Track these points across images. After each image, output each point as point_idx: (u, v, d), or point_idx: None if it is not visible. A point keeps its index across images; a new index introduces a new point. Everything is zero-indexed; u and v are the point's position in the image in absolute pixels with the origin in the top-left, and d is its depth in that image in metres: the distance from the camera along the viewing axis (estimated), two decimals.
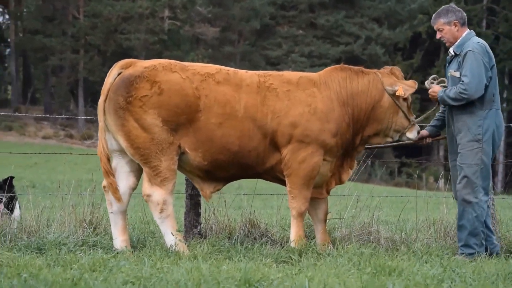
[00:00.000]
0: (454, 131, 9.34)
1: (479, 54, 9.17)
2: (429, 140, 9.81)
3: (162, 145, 8.75)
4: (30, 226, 9.46)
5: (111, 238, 9.04)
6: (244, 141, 8.93)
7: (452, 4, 9.64)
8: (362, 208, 10.45)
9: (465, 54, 9.21)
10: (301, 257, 8.61)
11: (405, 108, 9.38)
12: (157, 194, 8.80)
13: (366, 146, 9.79)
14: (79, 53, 59.28)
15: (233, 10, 59.61)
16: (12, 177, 10.56)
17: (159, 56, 52.61)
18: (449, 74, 9.41)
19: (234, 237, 9.57)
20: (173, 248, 8.70)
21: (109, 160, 8.94)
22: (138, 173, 9.04)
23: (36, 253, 8.54)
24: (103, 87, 8.87)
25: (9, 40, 63.89)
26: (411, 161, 49.62)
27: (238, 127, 8.90)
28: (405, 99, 9.38)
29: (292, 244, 9.02)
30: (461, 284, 7.30)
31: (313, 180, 9.12)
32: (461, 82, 9.14)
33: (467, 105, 9.19)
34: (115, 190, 8.92)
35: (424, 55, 61.68)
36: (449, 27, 9.38)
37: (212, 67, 9.08)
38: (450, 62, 9.50)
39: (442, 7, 9.52)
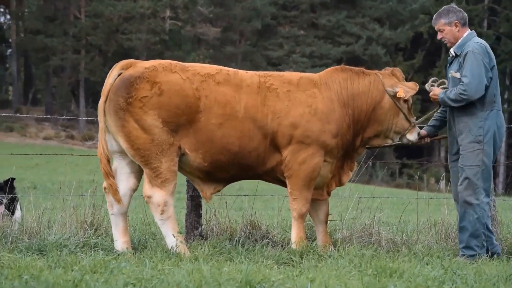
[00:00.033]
0: (456, 133, 9.34)
1: (479, 55, 9.16)
2: (427, 140, 9.80)
3: (162, 146, 8.74)
4: (31, 227, 9.46)
5: (112, 240, 9.04)
6: (244, 142, 8.93)
7: (453, 5, 9.64)
8: (363, 209, 10.45)
9: (465, 55, 9.21)
10: (302, 259, 8.61)
11: (406, 109, 9.37)
12: (158, 195, 8.80)
13: (369, 146, 9.79)
14: (80, 54, 59.26)
15: (234, 10, 59.60)
16: (13, 179, 10.55)
17: (161, 56, 52.61)
18: (450, 75, 9.41)
19: (235, 238, 9.56)
20: (174, 249, 8.70)
21: (109, 161, 8.94)
22: (138, 174, 9.04)
23: (37, 254, 8.54)
24: (103, 88, 8.87)
25: (10, 40, 63.86)
26: (412, 162, 49.63)
27: (238, 127, 8.90)
28: (405, 101, 9.38)
29: (293, 246, 9.02)
30: (462, 286, 7.30)
31: (313, 181, 9.12)
32: (461, 83, 9.14)
33: (468, 106, 9.19)
34: (115, 191, 8.92)
35: (426, 55, 61.65)
36: (449, 27, 9.37)
37: (212, 68, 9.08)
38: (451, 63, 9.50)
39: (443, 7, 9.52)
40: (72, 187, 10.22)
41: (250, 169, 9.09)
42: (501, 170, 51.98)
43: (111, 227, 9.10)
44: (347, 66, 9.48)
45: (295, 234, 9.12)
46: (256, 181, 9.63)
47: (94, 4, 58.01)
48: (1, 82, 70.12)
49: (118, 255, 8.51)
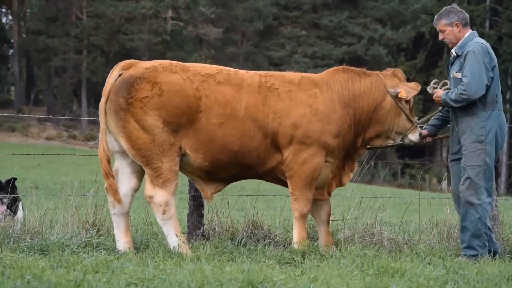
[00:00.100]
0: (459, 133, 9.34)
1: (479, 55, 9.16)
2: (428, 139, 9.81)
3: (163, 146, 8.75)
4: (33, 227, 9.47)
5: (114, 240, 9.04)
6: (245, 141, 8.93)
7: (454, 5, 9.64)
8: (365, 209, 10.45)
9: (466, 55, 9.21)
10: (304, 259, 8.62)
11: (408, 110, 9.37)
12: (159, 195, 8.80)
13: (370, 147, 9.79)
14: (82, 54, 59.27)
15: (236, 11, 59.62)
16: (14, 179, 10.56)
17: (162, 56, 52.63)
18: (451, 75, 9.42)
19: (237, 238, 9.57)
20: (176, 249, 8.70)
21: (109, 162, 8.94)
22: (140, 174, 9.04)
23: (39, 254, 8.54)
24: (104, 88, 8.87)
25: (12, 40, 63.89)
26: (414, 162, 49.59)
27: (239, 127, 8.90)
28: (407, 101, 9.38)
29: (295, 246, 9.02)
30: (464, 285, 7.30)
31: (315, 182, 9.12)
32: (461, 83, 9.14)
33: (470, 106, 9.20)
34: (115, 192, 8.92)
35: (427, 55, 61.63)
36: (451, 28, 9.37)
37: (213, 68, 9.08)
38: (452, 63, 9.50)
39: (444, 8, 9.52)
40: (74, 187, 10.22)
41: (251, 168, 9.09)
42: (503, 170, 51.96)
43: (113, 227, 9.10)
44: (348, 67, 9.48)
45: (297, 234, 9.11)
46: (258, 181, 9.63)
47: (96, 4, 58.05)
48: (3, 82, 70.15)
49: (120, 255, 8.51)
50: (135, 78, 8.77)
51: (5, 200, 10.26)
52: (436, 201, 11.90)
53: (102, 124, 8.90)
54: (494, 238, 9.52)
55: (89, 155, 11.52)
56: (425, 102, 53.54)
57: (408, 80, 9.65)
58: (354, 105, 9.24)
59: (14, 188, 10.43)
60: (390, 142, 9.50)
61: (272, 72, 9.30)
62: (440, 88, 9.45)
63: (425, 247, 9.49)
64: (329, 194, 9.45)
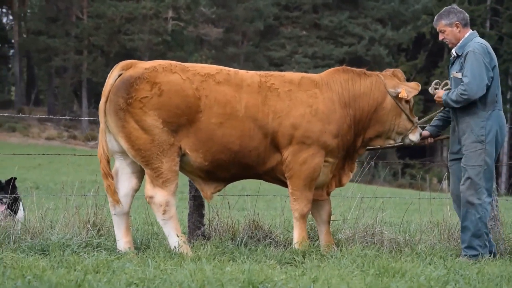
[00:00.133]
0: (459, 133, 9.35)
1: (479, 55, 9.17)
2: (431, 140, 9.81)
3: (162, 147, 8.75)
4: (33, 227, 9.47)
5: (114, 240, 9.04)
6: (244, 141, 8.93)
7: (454, 5, 9.64)
8: (365, 209, 10.45)
9: (466, 55, 9.22)
10: (304, 259, 8.61)
11: (408, 110, 9.37)
12: (160, 195, 8.81)
13: (370, 148, 9.79)
14: (82, 54, 59.29)
15: (236, 11, 59.61)
16: (14, 178, 10.54)
17: (163, 57, 52.64)
18: (452, 75, 9.42)
19: (238, 238, 9.57)
20: (177, 249, 8.70)
21: (108, 162, 8.94)
22: (140, 174, 9.05)
23: (40, 254, 8.54)
24: (103, 89, 8.87)
25: (12, 41, 63.91)
26: (414, 162, 49.59)
27: (238, 126, 8.90)
28: (407, 101, 9.38)
29: (296, 246, 9.01)
30: (465, 285, 7.30)
31: (314, 182, 9.12)
32: (462, 83, 9.15)
33: (470, 106, 9.20)
34: (113, 192, 8.93)
35: (428, 56, 61.64)
36: (450, 28, 9.38)
37: (212, 68, 9.08)
38: (453, 63, 9.51)
39: (444, 8, 9.52)
40: (74, 187, 10.22)
41: (251, 168, 9.09)
42: (504, 170, 51.96)
43: (113, 227, 9.10)
44: (348, 67, 9.48)
45: (297, 234, 9.11)
46: (259, 181, 9.63)
47: (96, 4, 58.05)
48: (3, 82, 70.15)
49: (121, 255, 8.51)
50: (135, 79, 8.77)
51: (4, 200, 10.26)
52: (437, 201, 11.90)
53: (101, 125, 8.90)
54: (492, 239, 9.52)
55: (90, 155, 11.51)
56: (425, 102, 53.55)
57: (408, 80, 9.65)
58: (354, 106, 9.24)
59: (14, 188, 10.42)
60: (391, 142, 9.50)
61: (272, 72, 9.30)
62: (441, 89, 9.45)
63: (425, 247, 9.49)
64: (328, 194, 9.45)
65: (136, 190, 9.09)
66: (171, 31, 58.71)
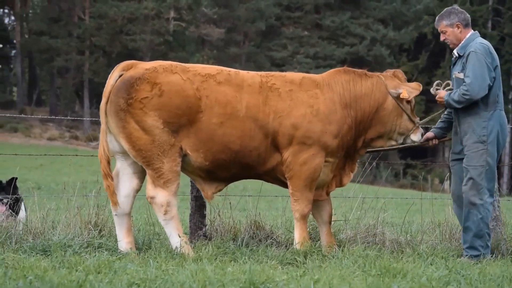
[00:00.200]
0: (461, 133, 9.34)
1: (481, 55, 9.17)
2: (435, 141, 9.81)
3: (163, 147, 8.75)
4: (35, 228, 9.47)
5: (116, 240, 9.05)
6: (245, 141, 8.93)
7: (455, 6, 9.64)
8: (367, 210, 10.45)
9: (467, 55, 9.22)
10: (306, 259, 8.61)
11: (409, 110, 9.37)
12: (161, 196, 8.81)
13: (371, 150, 9.80)
14: (84, 54, 59.33)
15: (238, 11, 59.62)
16: (15, 179, 10.52)
17: (165, 57, 52.67)
18: (453, 76, 9.42)
19: (239, 239, 9.57)
20: (179, 250, 8.70)
21: (109, 163, 8.94)
22: (141, 174, 9.05)
23: (42, 255, 8.54)
24: (104, 89, 8.88)
25: (14, 41, 63.98)
26: (416, 163, 49.60)
27: (239, 126, 8.90)
28: (408, 102, 9.38)
29: (297, 246, 9.01)
30: (466, 286, 7.30)
31: (315, 182, 9.12)
32: (464, 83, 9.14)
33: (472, 106, 9.20)
34: (112, 193, 8.93)
35: (430, 56, 61.64)
36: (451, 29, 9.38)
37: (213, 68, 9.08)
38: (454, 64, 9.50)
39: (445, 9, 9.53)
40: (76, 187, 10.23)
41: (251, 168, 9.09)
42: (505, 170, 51.97)
43: (115, 227, 9.10)
44: (349, 68, 9.48)
45: (298, 235, 9.11)
46: (260, 181, 9.63)
47: (98, 5, 58.08)
48: (5, 83, 70.23)
49: (122, 255, 8.51)
50: (135, 79, 8.77)
51: (5, 200, 10.24)
52: (438, 201, 11.90)
53: (102, 125, 8.91)
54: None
55: (91, 155, 11.53)
56: (427, 102, 53.52)
57: (410, 80, 9.64)
58: (355, 106, 9.24)
59: (15, 188, 10.41)
60: (393, 143, 9.50)
61: (273, 73, 9.30)
62: (443, 89, 9.45)
63: (427, 248, 9.49)
64: (328, 194, 9.44)
65: (137, 190, 9.09)
66: (173, 31, 58.74)
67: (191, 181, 9.76)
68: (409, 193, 33.17)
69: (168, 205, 8.82)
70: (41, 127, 56.95)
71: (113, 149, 8.97)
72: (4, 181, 10.55)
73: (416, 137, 9.44)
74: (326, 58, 59.49)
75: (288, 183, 9.11)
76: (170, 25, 58.90)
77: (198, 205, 9.94)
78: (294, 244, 9.11)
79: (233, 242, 9.44)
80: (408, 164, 50.79)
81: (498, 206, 10.23)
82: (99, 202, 9.81)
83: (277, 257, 8.63)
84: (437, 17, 9.51)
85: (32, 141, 53.14)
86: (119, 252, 8.81)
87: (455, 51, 9.43)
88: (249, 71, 9.23)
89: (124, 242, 8.93)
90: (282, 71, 9.73)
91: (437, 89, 9.48)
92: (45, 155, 12.18)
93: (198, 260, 8.26)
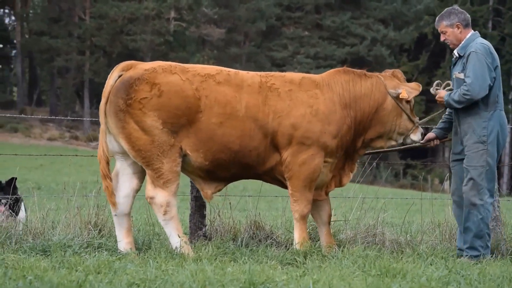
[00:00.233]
0: (461, 134, 9.34)
1: (482, 55, 9.17)
2: (436, 142, 9.81)
3: (163, 147, 8.75)
4: (35, 228, 9.48)
5: (116, 240, 9.04)
6: (245, 141, 8.93)
7: (456, 6, 9.64)
8: (367, 210, 10.45)
9: (468, 55, 9.22)
10: (306, 259, 8.61)
11: (408, 110, 9.38)
12: (160, 196, 8.81)
13: (373, 151, 9.82)
14: (85, 55, 59.36)
15: (239, 11, 59.63)
16: (15, 179, 10.51)
17: (165, 57, 52.68)
18: (454, 76, 9.42)
19: (239, 239, 9.57)
20: (178, 250, 8.70)
21: (108, 163, 8.94)
22: (141, 175, 9.05)
23: (41, 255, 8.54)
24: (104, 90, 8.88)
25: (15, 41, 64.00)
26: (416, 163, 49.60)
27: (239, 126, 8.90)
28: (408, 102, 9.38)
29: (297, 247, 9.01)
30: (466, 286, 7.30)
31: (314, 183, 9.12)
32: (464, 84, 9.14)
33: (472, 107, 9.20)
34: (110, 194, 8.93)
35: (430, 56, 61.65)
36: (451, 29, 9.38)
37: (212, 68, 9.08)
38: (455, 64, 9.50)
39: (445, 9, 9.53)
40: (76, 187, 10.23)
41: (251, 168, 9.09)
42: (505, 170, 51.97)
43: (115, 227, 9.10)
44: (349, 68, 9.48)
45: (298, 235, 9.11)
46: (260, 182, 9.63)
47: (98, 5, 58.09)
48: (5, 83, 70.24)
49: (122, 255, 8.51)
50: (134, 80, 8.77)
51: (3, 201, 10.23)
52: (438, 201, 11.90)
53: (102, 126, 8.91)
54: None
55: (91, 155, 11.54)
56: (427, 102, 53.52)
57: (410, 81, 9.64)
58: (355, 107, 9.25)
59: (15, 188, 10.41)
60: (392, 143, 9.50)
61: (272, 73, 9.30)
62: (443, 89, 9.46)
63: (427, 248, 9.49)
64: (327, 194, 9.44)
65: (137, 190, 9.09)
66: (173, 31, 58.75)
67: (191, 181, 9.76)
68: (409, 193, 33.17)
69: (167, 205, 8.82)
70: (41, 127, 56.96)
71: (113, 150, 8.97)
72: (3, 181, 10.55)
73: (416, 136, 9.44)
74: (326, 58, 59.49)
75: (288, 184, 9.11)
76: (171, 25, 58.91)
77: (198, 205, 9.94)
78: (294, 244, 9.11)
79: (233, 242, 9.44)
80: (408, 164, 50.80)
81: (498, 206, 10.23)
82: (99, 202, 9.81)
83: (277, 257, 8.64)
84: (437, 18, 9.51)
85: (32, 141, 53.15)
86: (119, 252, 8.81)
87: (455, 52, 9.43)
88: (249, 71, 9.23)
89: (123, 243, 8.93)
90: (283, 71, 9.74)
91: (437, 89, 9.48)
92: (45, 155, 12.19)
93: (198, 260, 8.26)
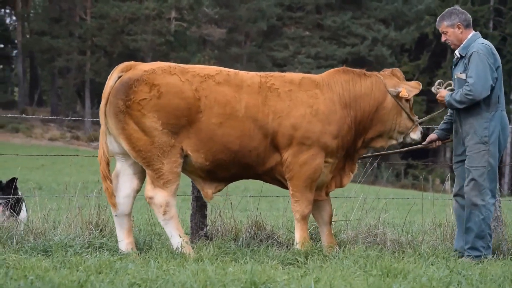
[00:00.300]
0: (462, 134, 9.34)
1: (484, 55, 9.17)
2: (438, 143, 9.81)
3: (163, 148, 8.74)
4: (36, 228, 9.48)
5: (117, 240, 9.05)
6: (244, 141, 8.93)
7: (457, 6, 9.64)
8: (368, 210, 10.44)
9: (470, 56, 9.21)
10: (307, 259, 8.61)
11: (408, 109, 9.38)
12: (160, 196, 8.81)
13: (375, 154, 9.82)
14: (86, 55, 59.38)
15: (239, 11, 59.63)
16: (15, 179, 10.50)
17: (166, 57, 52.71)
18: (455, 76, 9.42)
19: (240, 239, 9.57)
20: (180, 250, 8.70)
21: (108, 164, 8.93)
22: (141, 175, 9.05)
23: (43, 255, 8.54)
24: (103, 91, 8.88)
25: (16, 41, 64.01)
26: (417, 163, 49.56)
27: (238, 127, 8.90)
28: (407, 100, 9.39)
29: (298, 247, 9.01)
30: (467, 286, 7.30)
31: (315, 183, 9.11)
32: (466, 84, 9.14)
33: (474, 107, 9.20)
34: (111, 195, 8.93)
35: (431, 56, 61.64)
36: (452, 29, 9.38)
37: (212, 69, 9.08)
38: (456, 64, 9.50)
39: (446, 9, 9.53)
40: (77, 187, 10.23)
41: (250, 168, 9.09)
42: (507, 171, 51.96)
43: (116, 228, 9.10)
44: (348, 68, 9.48)
45: (298, 236, 9.11)
46: (261, 182, 9.63)
47: (99, 5, 58.11)
48: (7, 83, 70.27)
49: (123, 255, 8.51)
50: (134, 81, 8.77)
51: (1, 201, 10.22)
52: (439, 201, 11.89)
53: (102, 127, 8.91)
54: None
55: (93, 156, 11.55)
56: (428, 103, 53.53)
57: (410, 81, 9.63)
58: (355, 106, 9.24)
59: (15, 188, 10.40)
60: (393, 142, 9.49)
61: (272, 73, 9.30)
62: (444, 89, 9.45)
63: (428, 248, 9.48)
64: (327, 195, 9.44)
65: (138, 191, 9.09)
66: (174, 31, 58.76)
67: (192, 182, 9.76)
68: (410, 193, 33.15)
69: (167, 205, 8.81)
70: (43, 127, 56.98)
71: (113, 150, 8.97)
72: (4, 181, 10.54)
73: (415, 135, 9.44)
74: (327, 58, 59.49)
75: (288, 184, 9.11)
76: (172, 25, 58.92)
77: (199, 206, 9.94)
78: (295, 244, 9.11)
79: (234, 242, 9.44)
80: (409, 164, 50.78)
81: (499, 207, 10.23)
82: (100, 202, 9.81)
83: (278, 257, 8.64)
84: (438, 18, 9.51)
85: (34, 141, 53.17)
86: (120, 252, 8.81)
87: (456, 52, 9.42)
88: (249, 72, 9.23)
89: (124, 243, 8.93)
90: (284, 71, 9.75)
91: (438, 88, 9.48)
92: (46, 155, 12.19)
93: (199, 260, 8.26)
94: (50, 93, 65.40)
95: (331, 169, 9.26)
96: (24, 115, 16.14)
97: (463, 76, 9.26)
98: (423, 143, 9.79)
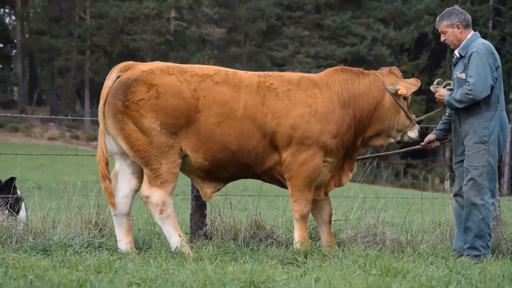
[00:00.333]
0: (461, 134, 9.34)
1: (484, 55, 9.17)
2: (437, 143, 9.80)
3: (161, 148, 8.74)
4: (36, 227, 9.48)
5: (116, 240, 9.04)
6: (243, 141, 8.93)
7: (456, 6, 9.63)
8: (367, 209, 10.44)
9: (470, 56, 9.21)
10: (306, 259, 8.61)
11: (406, 107, 9.38)
12: (156, 195, 8.80)
13: (375, 155, 9.82)
14: (85, 54, 59.37)
15: (239, 11, 59.63)
16: (14, 178, 10.50)
17: (165, 57, 52.70)
18: (455, 76, 9.42)
19: (240, 238, 9.57)
20: (179, 248, 8.70)
21: (107, 164, 8.93)
22: (140, 175, 9.04)
23: (42, 254, 8.54)
24: (102, 91, 8.88)
25: (15, 41, 63.99)
26: (416, 163, 49.60)
27: (237, 126, 8.90)
28: (405, 98, 9.38)
29: (297, 246, 9.01)
30: (467, 286, 7.29)
31: (314, 182, 9.11)
32: (467, 83, 9.14)
33: (473, 107, 9.19)
34: (110, 194, 8.92)
35: (430, 56, 61.63)
36: (452, 29, 9.38)
37: (210, 69, 9.08)
38: (455, 64, 9.50)
39: (446, 9, 9.53)
40: (76, 187, 10.23)
41: (249, 168, 9.09)
42: (506, 170, 51.97)
43: (115, 227, 9.10)
44: (346, 67, 9.48)
45: (298, 235, 9.11)
46: (261, 181, 9.63)
47: (99, 5, 58.11)
48: (6, 82, 70.24)
49: (123, 255, 8.51)
50: (132, 81, 8.77)
51: (0, 200, 10.21)
52: (439, 201, 11.90)
53: (101, 126, 8.91)
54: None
55: (92, 155, 11.54)
56: (427, 102, 53.54)
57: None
58: (354, 105, 9.24)
59: (14, 188, 10.40)
60: (391, 140, 9.49)
61: (271, 72, 9.29)
62: (443, 88, 9.45)
63: (427, 247, 9.49)
64: (326, 194, 9.44)
65: (137, 190, 9.09)
66: (174, 31, 58.76)
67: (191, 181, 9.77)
68: (410, 192, 33.17)
69: (163, 204, 8.81)
70: (42, 126, 56.97)
71: (112, 150, 8.97)
72: (3, 180, 10.54)
73: (413, 133, 9.44)
74: (327, 57, 59.49)
75: (288, 184, 9.10)
76: (171, 25, 58.92)
77: (199, 205, 9.94)
78: (294, 244, 9.11)
79: (234, 241, 9.44)
80: (409, 163, 50.81)
81: (499, 206, 10.22)
82: (100, 202, 9.81)
83: (278, 257, 8.63)
84: (437, 18, 9.51)
85: (33, 141, 53.15)
86: (120, 251, 8.81)
87: (456, 52, 9.42)
88: (247, 71, 9.22)
89: (123, 242, 8.93)
90: (283, 70, 9.76)
91: (437, 87, 9.48)
92: (46, 154, 12.19)
93: (199, 260, 8.26)
94: (49, 93, 65.39)
95: (331, 169, 9.26)
96: (23, 115, 16.17)
97: (462, 76, 9.26)
98: (421, 143, 9.79)
